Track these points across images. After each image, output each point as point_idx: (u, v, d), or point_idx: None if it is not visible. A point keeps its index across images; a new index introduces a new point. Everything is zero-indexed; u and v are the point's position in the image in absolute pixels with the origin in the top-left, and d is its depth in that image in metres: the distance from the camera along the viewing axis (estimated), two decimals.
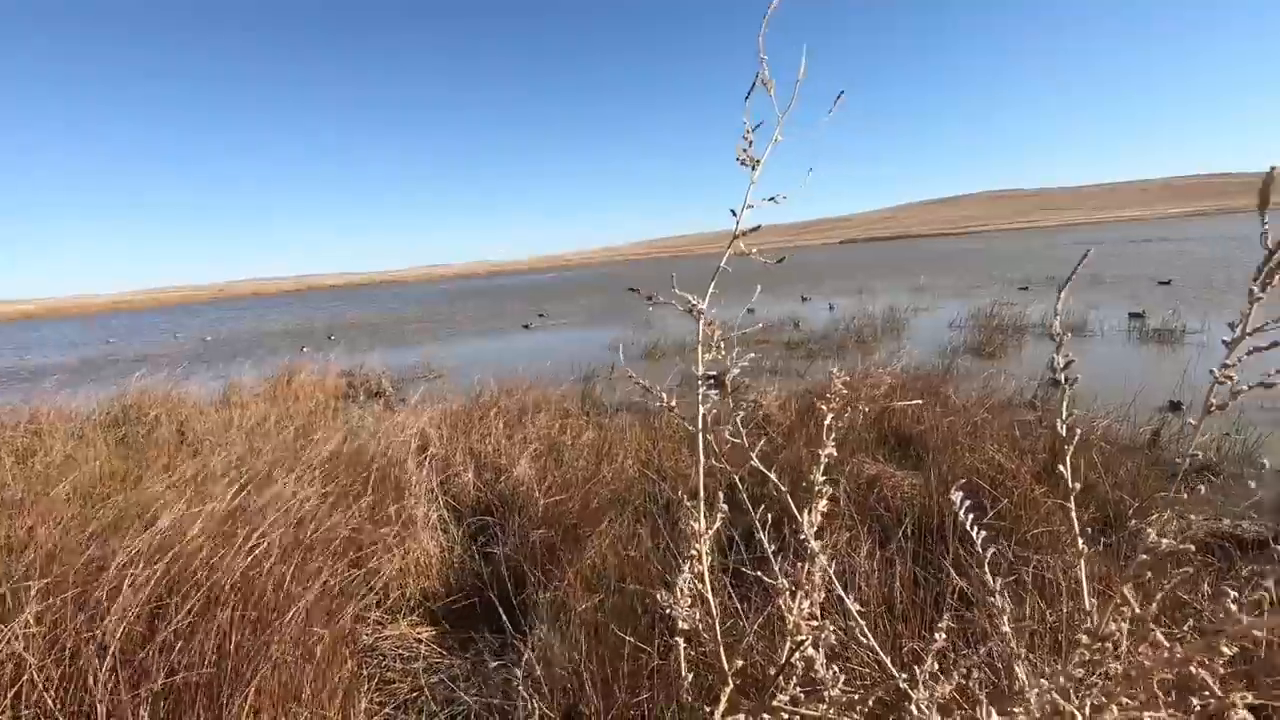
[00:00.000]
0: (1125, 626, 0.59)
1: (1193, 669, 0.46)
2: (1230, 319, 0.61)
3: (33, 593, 2.04)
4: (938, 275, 23.84)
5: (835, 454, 0.77)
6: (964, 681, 0.75)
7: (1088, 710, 0.52)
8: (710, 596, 0.78)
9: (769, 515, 0.80)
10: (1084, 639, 0.55)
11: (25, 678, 1.79)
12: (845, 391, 0.79)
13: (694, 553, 0.79)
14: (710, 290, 0.81)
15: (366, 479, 3.54)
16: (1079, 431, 0.71)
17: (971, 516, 0.77)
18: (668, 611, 0.78)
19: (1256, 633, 0.42)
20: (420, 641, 2.62)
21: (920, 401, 4.50)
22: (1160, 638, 0.47)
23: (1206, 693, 0.45)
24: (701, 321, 0.78)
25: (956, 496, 0.76)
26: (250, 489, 3.12)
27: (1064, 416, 0.69)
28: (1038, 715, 0.56)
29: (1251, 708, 0.50)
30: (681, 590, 0.77)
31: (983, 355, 8.26)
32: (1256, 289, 0.54)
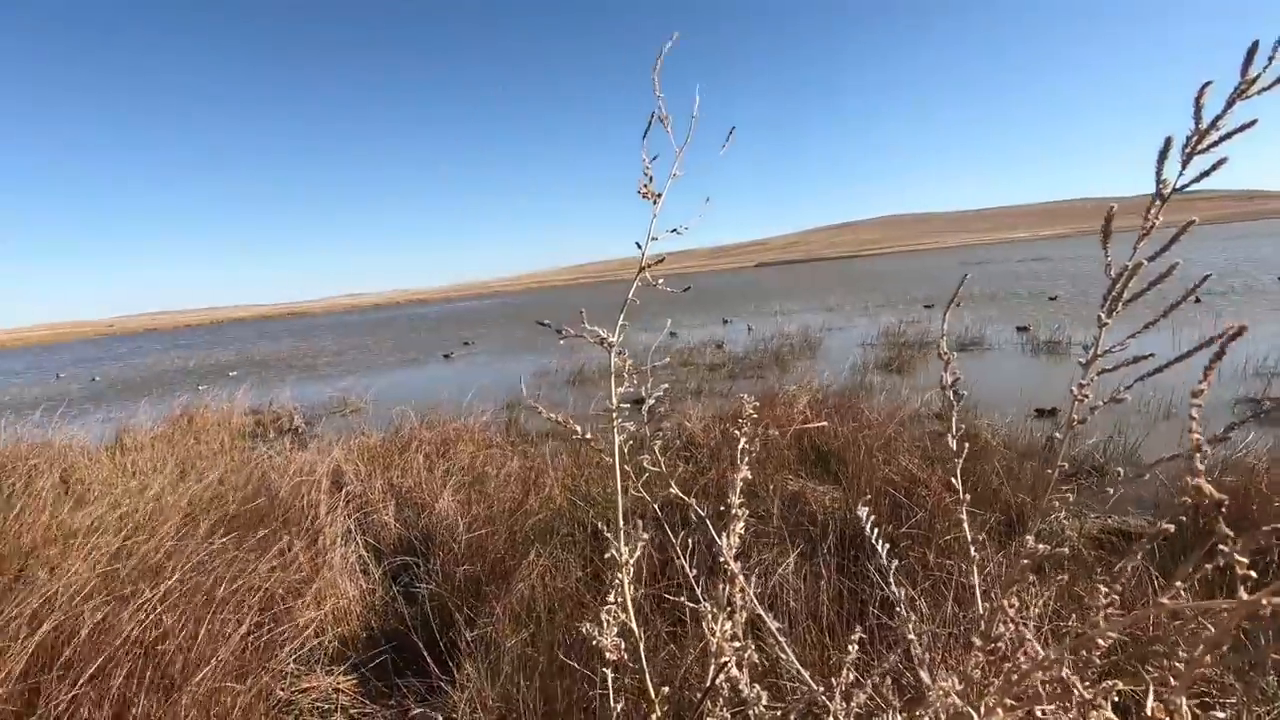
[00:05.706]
0: (1020, 629, 0.64)
1: (1066, 671, 0.50)
2: (1109, 331, 0.67)
3: None
4: (846, 296, 24.95)
5: (750, 477, 0.80)
6: (876, 690, 0.79)
7: (983, 710, 0.55)
8: (635, 626, 0.79)
9: (690, 541, 0.82)
10: (976, 641, 0.59)
11: None
12: (755, 416, 0.82)
13: (617, 582, 0.80)
14: (620, 322, 0.83)
15: (274, 521, 3.35)
16: (984, 439, 0.76)
17: (877, 531, 0.81)
18: (593, 643, 0.78)
19: (1112, 635, 0.46)
20: (339, 692, 2.48)
21: (824, 424, 4.67)
22: (1034, 644, 0.51)
23: (1085, 685, 0.50)
24: (613, 354, 0.80)
25: (863, 512, 0.80)
26: (143, 539, 2.88)
27: (953, 431, 0.75)
28: (943, 717, 0.59)
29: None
30: (607, 620, 0.77)
31: (891, 370, 8.67)
32: (1104, 315, 0.61)
